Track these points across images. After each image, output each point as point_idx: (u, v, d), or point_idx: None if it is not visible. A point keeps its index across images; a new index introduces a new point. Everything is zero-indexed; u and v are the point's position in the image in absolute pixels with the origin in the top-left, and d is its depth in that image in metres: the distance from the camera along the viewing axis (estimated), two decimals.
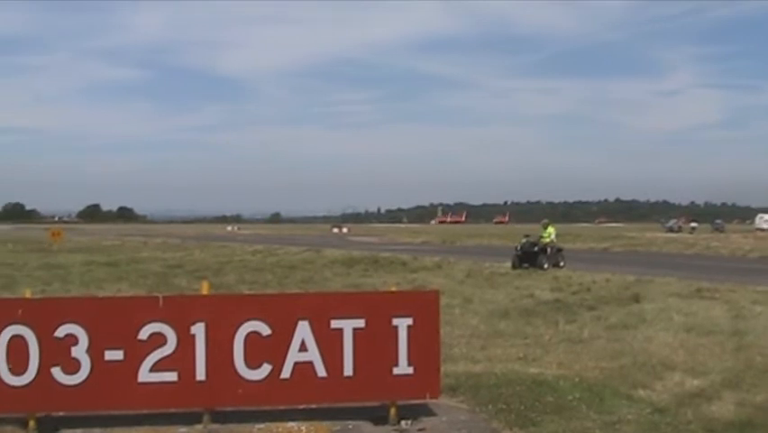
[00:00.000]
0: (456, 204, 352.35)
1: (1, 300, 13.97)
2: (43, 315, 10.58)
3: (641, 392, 12.49)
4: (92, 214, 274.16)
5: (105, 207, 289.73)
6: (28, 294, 11.42)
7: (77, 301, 13.06)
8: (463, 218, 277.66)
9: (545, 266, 39.07)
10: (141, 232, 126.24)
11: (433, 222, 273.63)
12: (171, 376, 10.59)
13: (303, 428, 10.82)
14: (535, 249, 40.68)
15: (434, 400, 11.41)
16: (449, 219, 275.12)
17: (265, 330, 10.67)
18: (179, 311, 10.74)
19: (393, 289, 12.46)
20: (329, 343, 10.77)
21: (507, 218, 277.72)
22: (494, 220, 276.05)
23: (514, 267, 39.38)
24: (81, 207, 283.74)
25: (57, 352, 10.44)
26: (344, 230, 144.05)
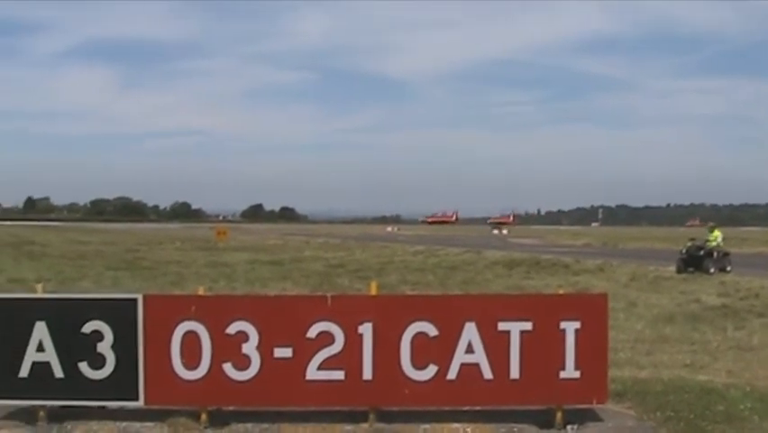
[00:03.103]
0: (618, 206, 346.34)
1: (175, 297, 14.48)
2: (216, 312, 10.86)
3: None
4: (255, 213, 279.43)
5: (267, 207, 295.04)
6: (201, 291, 11.73)
7: (248, 299, 13.37)
8: (454, 218, 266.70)
9: (711, 270, 37.99)
10: (303, 231, 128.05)
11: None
12: (338, 375, 10.71)
13: (468, 429, 10.81)
14: (701, 253, 39.59)
15: (600, 406, 11.23)
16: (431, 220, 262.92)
17: (432, 331, 10.68)
18: (347, 311, 10.84)
19: (560, 292, 12.31)
20: (496, 345, 10.71)
21: (698, 222, 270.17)
22: (687, 223, 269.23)
23: (679, 271, 38.41)
24: (244, 207, 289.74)
25: (228, 348, 10.70)
26: (504, 231, 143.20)
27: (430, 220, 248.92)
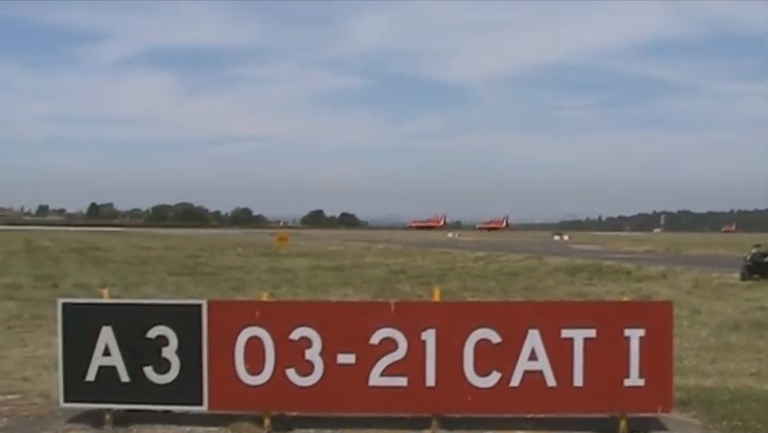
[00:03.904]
0: (680, 211, 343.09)
1: (240, 302, 14.58)
2: (279, 317, 10.93)
3: None
4: (315, 219, 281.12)
5: (327, 213, 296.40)
6: (265, 297, 11.81)
7: (311, 305, 13.42)
8: (504, 224, 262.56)
9: None
10: (364, 237, 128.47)
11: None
12: (401, 381, 10.71)
13: None
14: (766, 260, 39.02)
15: (665, 415, 11.12)
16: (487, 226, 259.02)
17: (495, 338, 10.65)
18: (411, 317, 10.85)
19: (624, 299, 12.20)
20: (559, 352, 10.65)
21: (733, 228, 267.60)
22: (722, 229, 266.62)
23: (743, 278, 37.85)
24: (305, 213, 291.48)
25: (291, 354, 10.75)
26: (565, 237, 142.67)
27: (482, 227, 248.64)
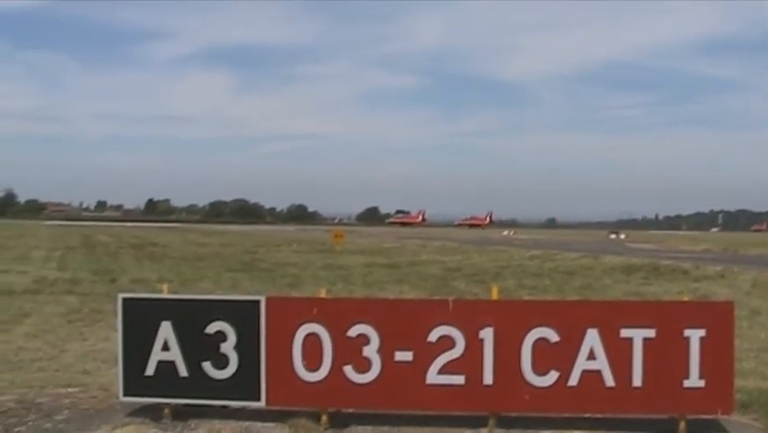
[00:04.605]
0: (738, 210, 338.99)
1: (298, 299, 14.63)
2: (337, 314, 10.96)
3: None
4: (370, 216, 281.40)
5: (383, 210, 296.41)
6: (323, 294, 11.85)
7: (369, 302, 13.42)
8: (487, 220, 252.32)
9: None
10: (419, 235, 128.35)
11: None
12: (459, 379, 10.70)
13: None
14: None
15: (725, 417, 10.98)
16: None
17: (553, 337, 10.59)
18: (469, 315, 10.83)
19: (685, 299, 12.07)
20: (618, 352, 10.57)
21: (764, 226, 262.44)
22: (752, 228, 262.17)
23: None
24: (360, 210, 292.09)
25: (349, 350, 10.78)
26: (621, 236, 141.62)
27: (461, 223, 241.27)
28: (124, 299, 11.36)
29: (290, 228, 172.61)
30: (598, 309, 11.41)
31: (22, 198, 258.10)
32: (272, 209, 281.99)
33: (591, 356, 10.59)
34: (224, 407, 11.33)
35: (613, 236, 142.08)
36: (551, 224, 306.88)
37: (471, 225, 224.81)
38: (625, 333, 10.59)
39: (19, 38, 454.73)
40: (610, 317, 10.75)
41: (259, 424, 11.04)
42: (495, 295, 11.29)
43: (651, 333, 10.57)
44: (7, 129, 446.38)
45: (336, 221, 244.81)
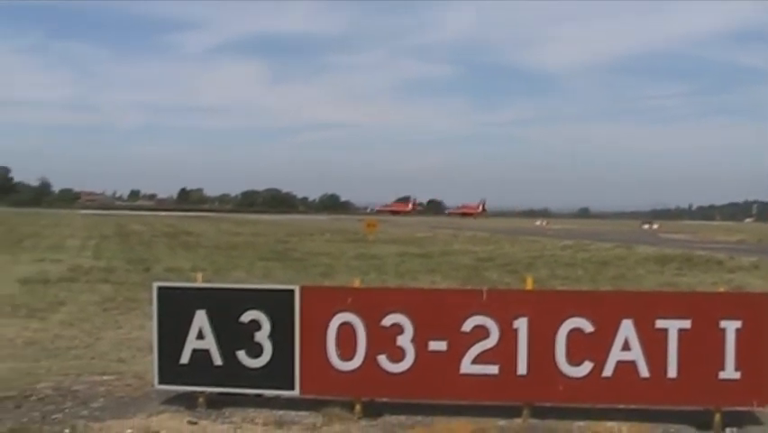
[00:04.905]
0: None
1: (332, 288, 14.70)
2: (371, 304, 10.99)
3: None
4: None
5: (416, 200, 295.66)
6: (357, 283, 11.87)
7: (403, 292, 13.47)
8: (480, 209, 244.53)
9: None
10: (451, 225, 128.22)
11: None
12: (493, 369, 10.69)
13: (624, 428, 10.62)
14: None
15: (761, 409, 10.90)
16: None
17: (588, 327, 10.57)
18: (503, 305, 10.82)
19: (720, 290, 11.99)
20: (653, 343, 10.53)
21: None
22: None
23: None
24: (392, 199, 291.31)
25: (383, 340, 10.81)
26: (655, 226, 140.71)
27: (452, 212, 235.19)
28: (160, 288, 11.43)
29: (323, 218, 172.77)
30: (633, 300, 11.38)
31: (56, 188, 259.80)
32: (305, 199, 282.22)
33: (626, 347, 10.56)
34: (258, 395, 11.39)
35: (646, 226, 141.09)
36: (584, 214, 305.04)
37: (464, 215, 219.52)
38: (660, 324, 10.54)
39: (54, 28, 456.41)
40: (645, 308, 10.70)
41: (292, 413, 11.08)
42: (529, 285, 11.27)
43: (686, 324, 10.52)
44: (41, 119, 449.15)
45: (368, 211, 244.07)
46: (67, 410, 11.29)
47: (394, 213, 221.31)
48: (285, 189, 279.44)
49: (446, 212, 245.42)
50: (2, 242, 49.57)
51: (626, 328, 10.54)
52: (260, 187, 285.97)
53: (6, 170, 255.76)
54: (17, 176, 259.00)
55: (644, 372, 10.56)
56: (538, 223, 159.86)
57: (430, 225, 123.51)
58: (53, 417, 11.01)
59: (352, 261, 39.23)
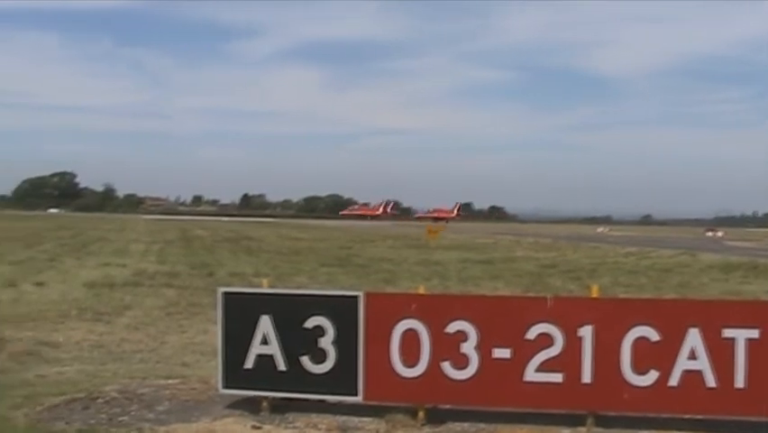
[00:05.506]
0: None
1: (396, 295, 14.71)
2: (436, 311, 10.95)
3: None
4: (464, 212, 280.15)
5: (476, 206, 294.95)
6: (421, 290, 11.87)
7: (468, 299, 13.45)
8: (454, 213, 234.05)
9: None
10: (512, 231, 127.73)
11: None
12: (557, 377, 10.61)
13: None
14: None
15: None
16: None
17: (654, 336, 10.44)
18: (568, 313, 10.74)
19: None
20: (720, 352, 10.37)
21: None
22: None
23: None
24: (454, 205, 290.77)
25: (447, 347, 10.77)
26: (719, 234, 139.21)
27: (422, 216, 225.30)
28: (225, 293, 11.52)
29: (385, 224, 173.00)
30: (699, 308, 11.22)
31: (120, 193, 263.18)
32: (366, 205, 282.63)
33: (692, 356, 10.41)
34: (321, 401, 11.41)
35: (710, 234, 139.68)
36: (646, 220, 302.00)
37: (437, 219, 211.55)
38: (727, 333, 10.37)
39: (121, 36, 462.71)
40: (712, 317, 10.55)
41: (355, 419, 11.09)
42: (595, 293, 11.17)
43: (754, 333, 10.35)
44: (106, 125, 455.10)
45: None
46: (133, 413, 11.41)
47: (361, 217, 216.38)
48: (346, 195, 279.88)
49: (415, 215, 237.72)
50: (68, 246, 50.29)
51: (693, 337, 10.40)
52: (322, 192, 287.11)
53: (72, 176, 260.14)
54: (83, 181, 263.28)
55: (710, 381, 10.41)
56: (600, 230, 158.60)
57: (491, 231, 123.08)
58: (119, 419, 11.14)
59: (415, 267, 39.29)
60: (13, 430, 10.63)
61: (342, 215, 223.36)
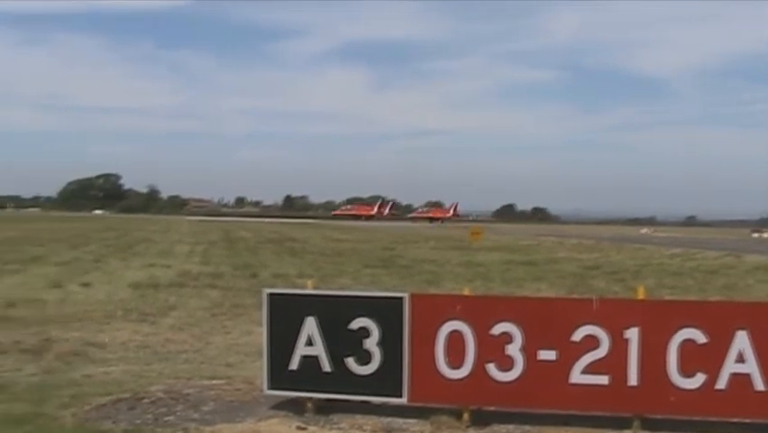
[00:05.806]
0: None
1: (441, 296, 14.67)
2: (481, 312, 10.95)
3: None
4: (507, 213, 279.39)
5: (519, 207, 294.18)
6: (466, 291, 11.85)
7: (513, 300, 13.35)
8: (451, 213, 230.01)
9: None
10: (555, 232, 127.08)
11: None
12: (603, 379, 10.57)
13: None
14: None
15: None
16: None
17: (701, 338, 10.37)
18: (614, 315, 10.69)
19: None
20: None
21: None
22: None
23: None
24: (496, 206, 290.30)
25: (492, 348, 10.76)
26: (765, 235, 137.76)
27: (415, 216, 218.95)
28: (270, 294, 11.57)
29: (428, 224, 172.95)
30: (747, 311, 11.09)
31: (164, 194, 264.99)
32: (408, 206, 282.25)
33: (740, 359, 10.33)
34: (366, 402, 11.43)
35: (756, 235, 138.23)
36: (690, 221, 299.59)
37: (431, 219, 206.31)
38: None
39: (163, 38, 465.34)
40: (761, 319, 10.45)
41: (400, 420, 11.10)
42: (641, 295, 11.09)
43: None
44: (150, 127, 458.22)
45: (471, 218, 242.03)
46: (178, 413, 11.50)
47: (355, 217, 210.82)
48: (389, 196, 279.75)
49: (409, 215, 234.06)
50: (114, 247, 50.70)
51: (741, 340, 10.31)
52: (365, 194, 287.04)
53: (117, 177, 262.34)
54: (127, 183, 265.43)
55: (759, 385, 10.31)
56: (644, 231, 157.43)
57: (534, 232, 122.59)
58: (165, 419, 11.22)
59: (457, 268, 39.21)
60: (60, 430, 10.76)
61: (335, 215, 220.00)
